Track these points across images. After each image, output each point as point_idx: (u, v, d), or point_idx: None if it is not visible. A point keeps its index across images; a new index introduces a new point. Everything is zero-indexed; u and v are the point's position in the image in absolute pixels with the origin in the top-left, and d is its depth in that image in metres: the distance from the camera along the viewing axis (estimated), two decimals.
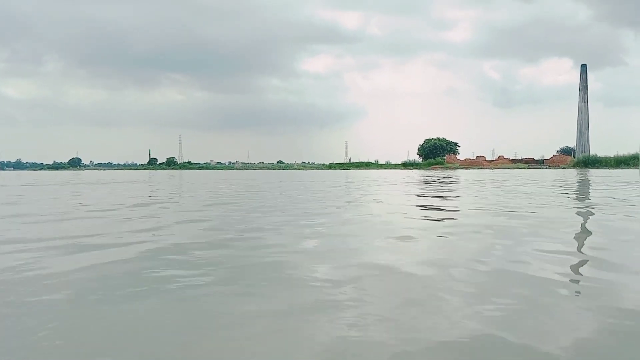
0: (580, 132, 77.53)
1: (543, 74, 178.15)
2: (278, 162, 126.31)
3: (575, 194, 9.82)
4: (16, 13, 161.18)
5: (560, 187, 12.22)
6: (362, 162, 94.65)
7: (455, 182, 16.07)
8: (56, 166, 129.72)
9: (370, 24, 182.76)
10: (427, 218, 5.26)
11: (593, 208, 6.30)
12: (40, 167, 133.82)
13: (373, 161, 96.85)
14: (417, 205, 7.18)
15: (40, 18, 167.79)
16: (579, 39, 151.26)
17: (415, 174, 33.94)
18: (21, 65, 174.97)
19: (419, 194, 10.23)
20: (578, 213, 5.79)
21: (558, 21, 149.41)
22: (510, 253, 3.12)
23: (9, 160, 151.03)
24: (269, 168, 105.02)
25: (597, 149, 74.82)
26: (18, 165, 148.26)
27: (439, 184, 14.46)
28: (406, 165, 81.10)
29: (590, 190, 11.08)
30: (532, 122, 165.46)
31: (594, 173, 31.12)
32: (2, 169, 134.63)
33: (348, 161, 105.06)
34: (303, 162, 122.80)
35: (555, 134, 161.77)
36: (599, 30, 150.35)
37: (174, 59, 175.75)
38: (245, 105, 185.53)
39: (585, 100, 77.74)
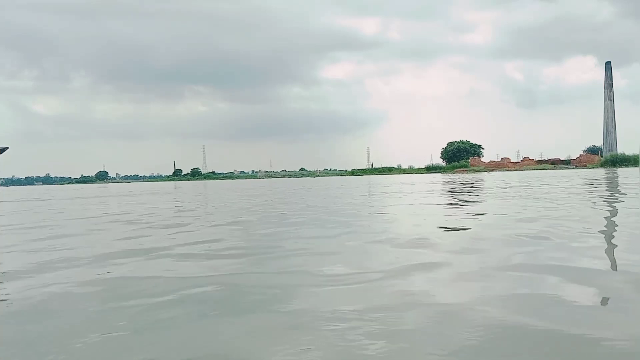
0: (607, 130, 76.01)
1: (567, 73, 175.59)
2: (300, 169, 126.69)
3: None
4: (44, 33, 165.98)
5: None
6: (385, 168, 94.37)
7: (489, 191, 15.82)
8: (84, 180, 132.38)
9: (390, 29, 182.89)
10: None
11: None
12: (69, 181, 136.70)
13: (396, 166, 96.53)
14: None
15: (67, 37, 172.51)
16: (602, 36, 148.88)
17: (439, 178, 33.62)
18: (50, 83, 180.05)
19: (448, 210, 10.04)
20: None
21: (580, 19, 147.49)
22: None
23: (38, 175, 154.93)
24: (291, 176, 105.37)
25: (624, 147, 73.12)
26: (47, 180, 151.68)
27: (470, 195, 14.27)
28: (429, 169, 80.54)
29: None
30: (557, 122, 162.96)
31: (624, 172, 30.34)
32: (32, 184, 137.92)
33: (370, 167, 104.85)
34: (325, 169, 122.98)
35: (581, 133, 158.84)
36: (623, 27, 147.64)
37: (197, 72, 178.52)
38: (267, 114, 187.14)
39: (611, 98, 76.24)
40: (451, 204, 8.29)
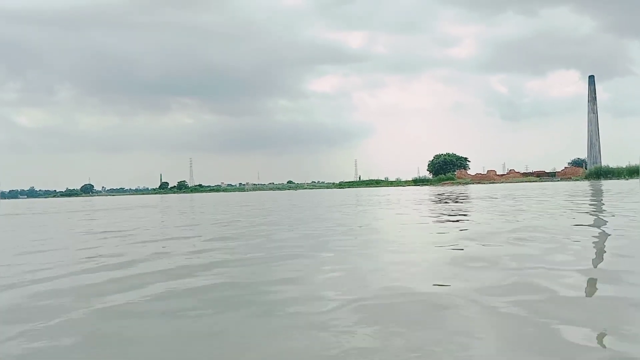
0: (590, 143, 76.90)
1: (550, 87, 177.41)
2: (288, 182, 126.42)
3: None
4: (28, 44, 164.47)
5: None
6: (372, 180, 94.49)
7: (473, 202, 15.91)
8: (69, 193, 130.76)
9: (376, 43, 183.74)
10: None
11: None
12: (54, 194, 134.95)
13: (383, 179, 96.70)
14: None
15: (52, 48, 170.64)
16: (584, 50, 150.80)
17: (427, 191, 33.74)
18: (34, 94, 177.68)
19: (440, 226, 10.06)
20: None
21: (563, 34, 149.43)
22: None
23: (22, 188, 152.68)
24: (279, 188, 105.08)
25: (608, 159, 73.85)
26: (31, 193, 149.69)
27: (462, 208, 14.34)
28: (417, 182, 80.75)
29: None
30: (541, 135, 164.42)
31: (608, 184, 30.72)
32: (16, 197, 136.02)
33: (358, 179, 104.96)
34: (313, 182, 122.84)
35: (565, 145, 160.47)
36: (605, 41, 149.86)
37: (183, 84, 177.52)
38: (254, 126, 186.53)
39: (595, 111, 77.26)
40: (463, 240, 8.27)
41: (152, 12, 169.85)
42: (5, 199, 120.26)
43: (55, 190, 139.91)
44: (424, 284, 2.87)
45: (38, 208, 24.19)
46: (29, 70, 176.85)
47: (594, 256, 3.78)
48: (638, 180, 38.48)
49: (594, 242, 4.55)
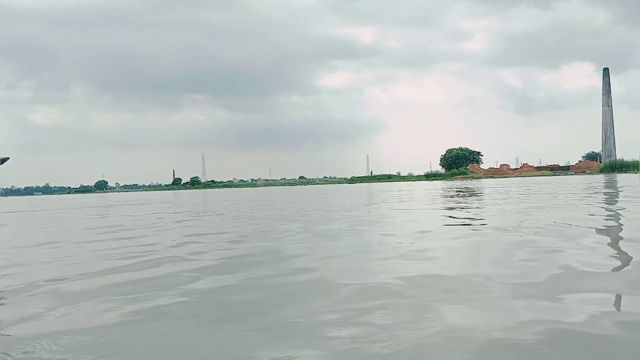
0: (605, 136, 76.04)
1: (564, 80, 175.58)
2: (300, 177, 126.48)
3: None
4: (43, 43, 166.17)
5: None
6: (384, 175, 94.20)
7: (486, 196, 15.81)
8: (83, 189, 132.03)
9: (387, 38, 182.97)
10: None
11: None
12: (68, 190, 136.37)
13: (395, 173, 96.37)
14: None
15: (66, 47, 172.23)
16: (598, 42, 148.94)
17: (439, 185, 33.62)
18: (48, 93, 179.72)
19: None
20: None
21: (576, 26, 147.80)
22: None
23: (38, 185, 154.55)
24: (290, 184, 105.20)
25: (623, 153, 72.99)
26: (46, 190, 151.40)
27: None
28: (429, 176, 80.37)
29: None
30: (555, 128, 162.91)
31: (624, 178, 30.35)
32: (32, 194, 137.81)
33: (370, 174, 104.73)
34: (325, 177, 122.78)
35: (579, 139, 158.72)
36: (619, 33, 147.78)
37: (195, 81, 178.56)
38: (266, 122, 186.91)
39: (609, 104, 76.33)
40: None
41: (165, 11, 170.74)
42: (20, 195, 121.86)
43: (69, 187, 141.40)
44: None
45: (68, 204, 24.48)
46: (43, 69, 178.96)
47: None
48: None
49: None
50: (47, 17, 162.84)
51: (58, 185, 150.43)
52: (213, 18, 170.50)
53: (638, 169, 55.86)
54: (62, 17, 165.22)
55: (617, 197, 10.63)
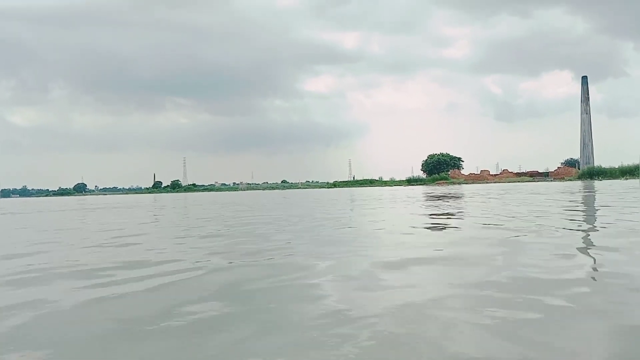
0: (583, 143, 77.37)
1: (544, 87, 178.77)
2: (282, 181, 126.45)
3: None
4: (23, 43, 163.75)
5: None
6: (367, 180, 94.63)
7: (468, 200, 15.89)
8: (62, 192, 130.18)
9: (370, 43, 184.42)
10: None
11: None
12: (46, 193, 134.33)
13: (377, 178, 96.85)
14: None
15: (45, 47, 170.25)
16: (578, 51, 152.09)
17: (420, 190, 33.77)
18: (28, 93, 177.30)
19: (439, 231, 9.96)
20: None
21: (556, 35, 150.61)
22: None
23: (15, 187, 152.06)
24: (273, 188, 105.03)
25: (601, 160, 74.44)
26: (24, 192, 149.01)
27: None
28: (410, 181, 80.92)
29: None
30: (535, 135, 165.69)
31: (602, 184, 30.85)
32: (8, 196, 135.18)
33: (352, 179, 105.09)
34: (307, 181, 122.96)
35: (558, 146, 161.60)
36: (598, 42, 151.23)
37: (177, 83, 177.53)
38: (248, 126, 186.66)
39: (588, 112, 77.73)
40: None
41: (147, 11, 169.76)
42: None
43: (47, 190, 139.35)
44: None
45: (45, 207, 23.99)
46: (22, 68, 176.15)
47: None
48: (638, 180, 38.59)
49: None
50: (27, 16, 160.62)
51: (36, 188, 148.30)
52: (197, 19, 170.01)
53: (618, 176, 56.86)
54: (43, 16, 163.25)
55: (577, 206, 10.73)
